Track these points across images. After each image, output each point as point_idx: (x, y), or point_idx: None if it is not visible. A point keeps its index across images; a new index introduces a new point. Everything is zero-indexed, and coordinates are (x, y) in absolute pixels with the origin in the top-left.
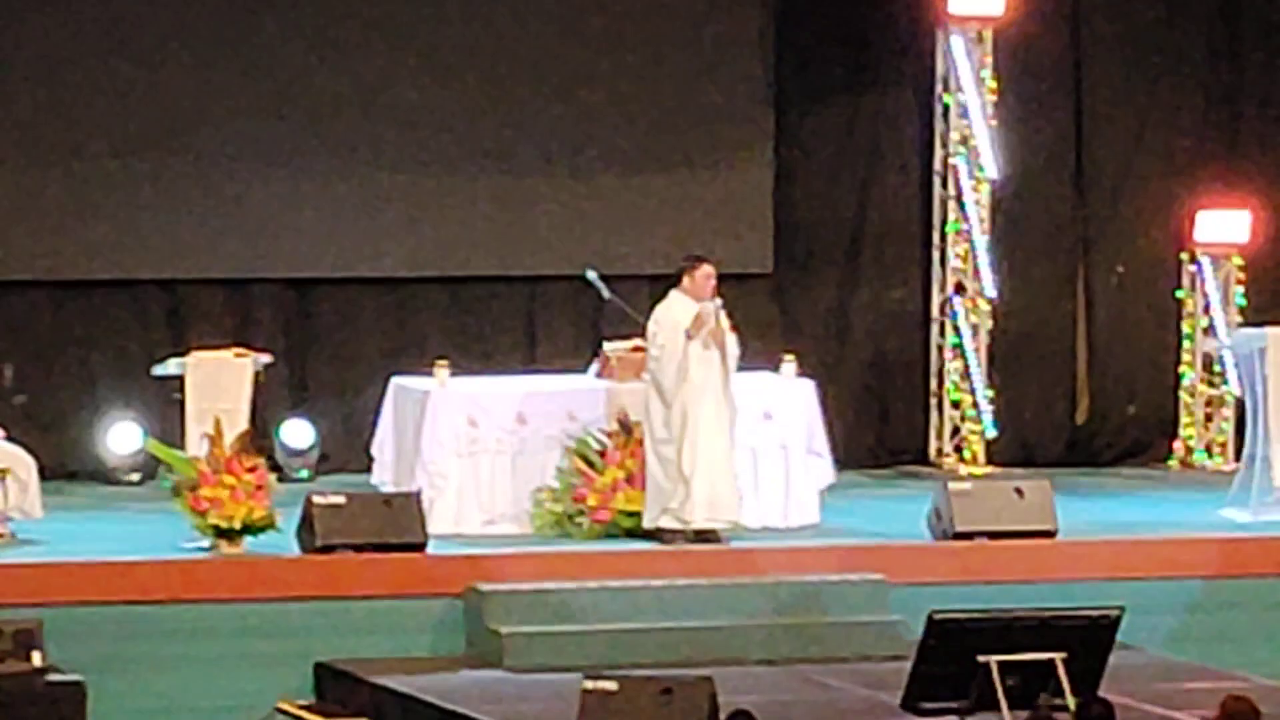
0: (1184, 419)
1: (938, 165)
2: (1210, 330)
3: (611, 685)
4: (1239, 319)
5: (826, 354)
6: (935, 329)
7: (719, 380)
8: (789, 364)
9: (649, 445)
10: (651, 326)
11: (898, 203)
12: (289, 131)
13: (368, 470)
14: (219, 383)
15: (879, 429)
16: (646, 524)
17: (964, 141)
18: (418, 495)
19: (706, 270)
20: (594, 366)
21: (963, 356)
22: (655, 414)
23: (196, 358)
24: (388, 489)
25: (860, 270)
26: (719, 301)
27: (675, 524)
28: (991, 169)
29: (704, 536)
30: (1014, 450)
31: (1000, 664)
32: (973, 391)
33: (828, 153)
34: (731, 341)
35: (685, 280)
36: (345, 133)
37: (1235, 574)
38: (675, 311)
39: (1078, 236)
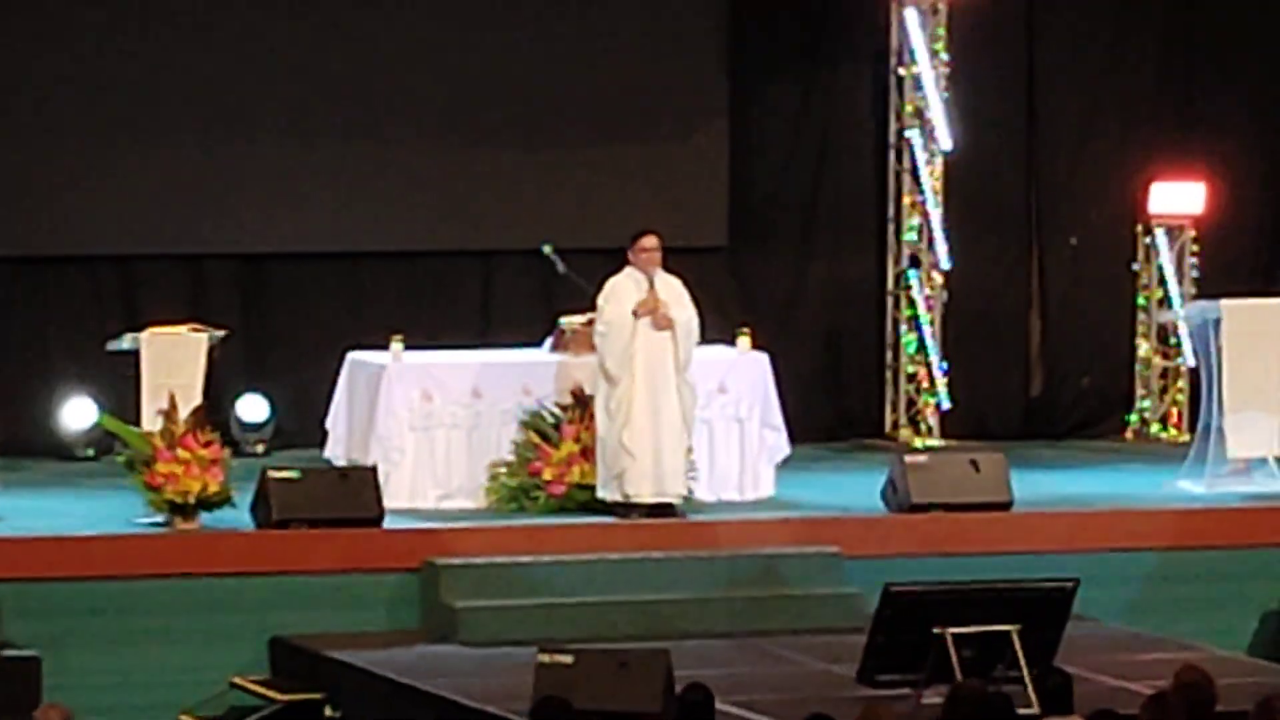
0: (1139, 391)
1: (892, 138)
2: (1165, 302)
3: (567, 658)
4: (1193, 290)
5: (781, 327)
6: (890, 302)
7: (669, 355)
8: (744, 337)
9: (597, 415)
10: (599, 301)
11: (852, 176)
12: (242, 106)
13: (322, 445)
14: (174, 358)
15: (834, 402)
16: (599, 492)
17: (918, 115)
18: (373, 470)
19: (644, 243)
20: (549, 340)
21: (918, 329)
22: (601, 389)
23: (151, 333)
24: (342, 463)
25: (815, 243)
26: (670, 279)
27: (620, 497)
28: (945, 142)
29: (660, 510)
30: (969, 422)
31: (956, 636)
32: (928, 364)
33: (782, 126)
34: (690, 317)
35: (629, 253)
36: (299, 108)
37: (1190, 545)
38: (621, 288)
39: (1032, 208)
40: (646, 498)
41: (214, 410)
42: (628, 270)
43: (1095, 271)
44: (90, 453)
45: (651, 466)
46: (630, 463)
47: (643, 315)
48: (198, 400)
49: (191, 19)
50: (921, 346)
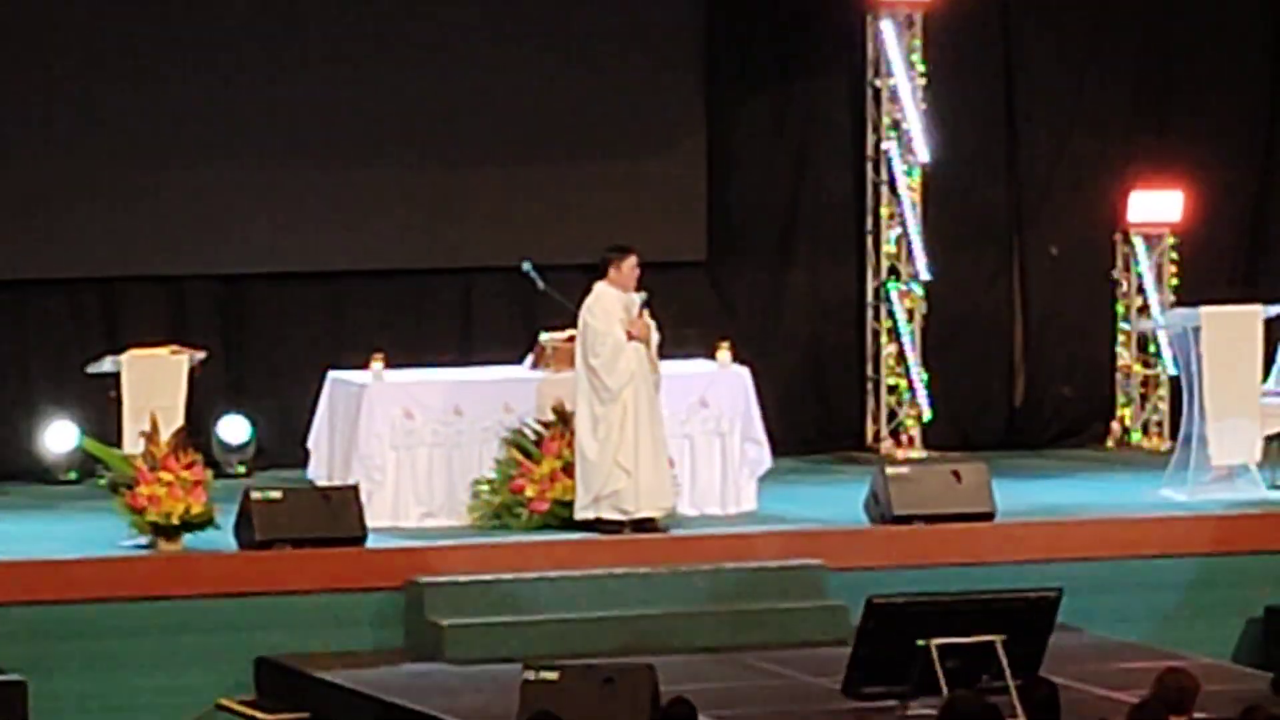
0: (1120, 399)
1: (869, 150)
2: (1144, 310)
3: (552, 675)
4: (1172, 298)
5: (762, 340)
6: (870, 314)
7: (648, 370)
8: (724, 351)
9: (580, 436)
10: (588, 320)
11: (831, 188)
12: (222, 127)
13: (304, 465)
14: (155, 380)
15: (815, 415)
16: (578, 515)
17: (895, 126)
18: (355, 489)
19: (633, 261)
20: (529, 357)
21: (898, 341)
22: (589, 406)
23: (132, 355)
24: (324, 483)
25: (794, 256)
26: (644, 295)
27: (613, 514)
28: (923, 153)
29: (643, 525)
30: (951, 434)
31: (940, 647)
32: (908, 375)
33: (760, 139)
34: (652, 330)
35: (612, 271)
36: (277, 128)
37: (1174, 553)
38: (607, 304)
39: (1011, 219)
40: (637, 511)
41: (195, 432)
42: (603, 287)
43: (1075, 280)
44: (72, 476)
45: (642, 480)
46: (626, 480)
47: (636, 338)
48: (179, 422)
49: (170, 43)
50: (902, 358)
